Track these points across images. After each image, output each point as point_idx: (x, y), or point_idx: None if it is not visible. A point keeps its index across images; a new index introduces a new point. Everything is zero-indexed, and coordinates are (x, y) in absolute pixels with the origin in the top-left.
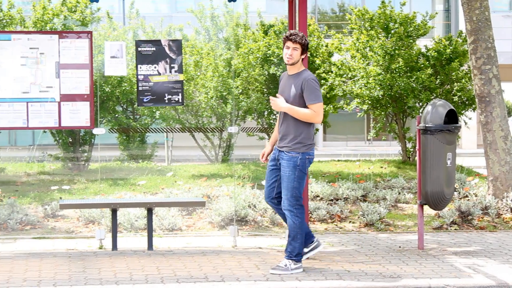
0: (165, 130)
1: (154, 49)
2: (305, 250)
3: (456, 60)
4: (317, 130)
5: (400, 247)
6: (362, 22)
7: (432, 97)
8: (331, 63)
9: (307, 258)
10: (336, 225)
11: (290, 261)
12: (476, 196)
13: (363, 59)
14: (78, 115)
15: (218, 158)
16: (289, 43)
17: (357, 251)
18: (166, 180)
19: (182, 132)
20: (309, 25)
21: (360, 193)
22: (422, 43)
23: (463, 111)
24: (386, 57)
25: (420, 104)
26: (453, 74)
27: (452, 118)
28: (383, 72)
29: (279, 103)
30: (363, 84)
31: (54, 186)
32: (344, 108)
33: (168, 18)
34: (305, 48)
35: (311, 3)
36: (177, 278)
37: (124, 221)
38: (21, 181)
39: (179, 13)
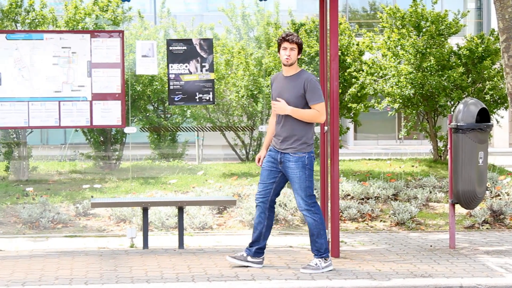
0: (196, 129)
1: (185, 48)
2: (249, 258)
3: (488, 59)
4: (347, 129)
5: (431, 246)
6: (394, 21)
7: (464, 95)
8: (362, 62)
9: (244, 267)
10: (367, 224)
11: (320, 259)
12: (508, 195)
13: (394, 57)
14: (110, 114)
15: (248, 157)
16: (286, 44)
17: (388, 250)
18: (197, 178)
19: (213, 131)
20: (340, 23)
21: (391, 192)
22: (454, 42)
23: (495, 109)
24: (418, 56)
25: (452, 102)
26: (485, 72)
27: (484, 116)
28: (414, 71)
29: (283, 106)
30: (394, 83)
31: (86, 185)
32: (375, 107)
33: (199, 17)
34: (300, 48)
35: (342, 1)
36: (208, 276)
37: (155, 219)
38: (53, 179)
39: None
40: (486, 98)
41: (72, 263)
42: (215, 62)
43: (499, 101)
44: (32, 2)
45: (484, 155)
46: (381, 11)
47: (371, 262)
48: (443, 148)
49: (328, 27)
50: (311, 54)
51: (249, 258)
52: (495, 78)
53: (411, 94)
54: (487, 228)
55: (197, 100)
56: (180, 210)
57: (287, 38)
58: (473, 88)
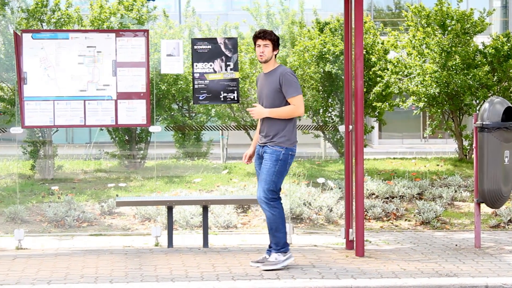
0: (220, 128)
1: (210, 47)
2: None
3: None
4: (372, 128)
5: (456, 245)
6: (419, 19)
7: (489, 94)
8: (387, 61)
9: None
10: (392, 223)
11: (279, 253)
12: None
13: (419, 56)
14: (135, 113)
15: None
16: (259, 41)
17: (413, 249)
18: (222, 177)
19: (237, 129)
20: (365, 22)
21: (416, 191)
22: (479, 40)
23: None
24: (443, 54)
25: (477, 101)
26: (510, 71)
27: (509, 115)
28: (439, 70)
29: (259, 110)
30: (419, 82)
31: (111, 184)
32: (400, 105)
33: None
34: (275, 44)
35: (367, 0)
36: (232, 275)
37: (180, 218)
38: (78, 178)
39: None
40: None
41: (97, 262)
42: (239, 61)
43: None
44: (58, 1)
45: (510, 154)
46: (406, 9)
47: (396, 261)
48: (468, 147)
49: (353, 26)
50: (336, 53)
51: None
52: None
53: (436, 93)
54: None
55: (222, 99)
56: (205, 209)
57: (259, 35)
58: (498, 87)
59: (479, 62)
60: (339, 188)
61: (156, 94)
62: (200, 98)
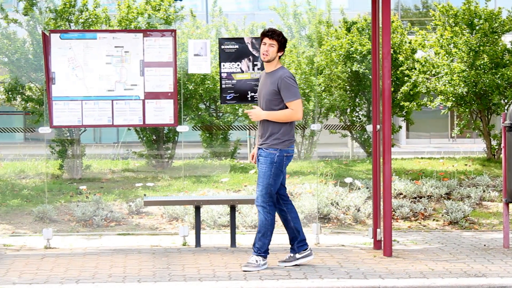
0: (247, 127)
1: (237, 47)
2: (297, 256)
3: None
4: (400, 127)
5: (485, 245)
6: (446, 18)
7: None
8: (415, 60)
9: (296, 265)
10: (420, 223)
11: (259, 257)
12: None
13: (447, 55)
14: (162, 113)
15: (300, 156)
16: (265, 39)
17: (441, 249)
18: (249, 177)
19: None
20: (392, 21)
21: (444, 191)
22: (508, 39)
23: None
24: (471, 54)
25: (505, 101)
26: None
27: None
28: (467, 69)
29: (257, 113)
30: (447, 81)
31: (138, 183)
32: (427, 105)
33: (250, 15)
34: (281, 45)
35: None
36: (260, 275)
37: (207, 218)
38: (106, 178)
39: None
40: None
41: (125, 261)
42: None
43: None
44: (86, 1)
45: None
46: (433, 9)
47: (424, 261)
48: (496, 147)
49: (381, 25)
50: (363, 53)
51: (297, 256)
52: None
53: (464, 93)
54: None
55: (249, 99)
56: (232, 208)
57: (267, 33)
58: None
59: (508, 61)
60: (367, 187)
61: (184, 93)
62: (228, 98)
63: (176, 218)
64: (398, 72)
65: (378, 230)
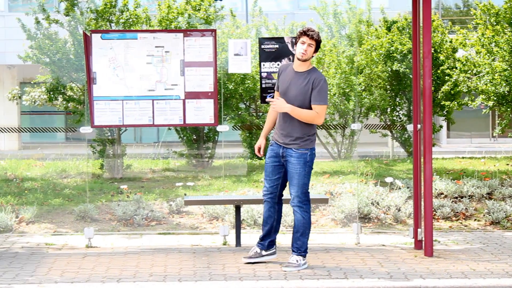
0: None
1: (277, 46)
2: (264, 252)
3: None
4: (441, 127)
5: None
6: (488, 17)
7: None
8: (456, 59)
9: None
10: (461, 223)
11: (299, 256)
12: None
13: (488, 54)
14: (202, 112)
15: (340, 155)
16: (305, 38)
17: (482, 250)
18: None
19: None
20: (433, 20)
21: (486, 190)
22: None
23: None
24: None
25: None
26: None
27: None
28: (509, 68)
29: (281, 104)
30: (488, 80)
31: (179, 183)
32: (468, 104)
33: (290, 15)
34: (318, 46)
35: None
36: (300, 275)
37: (248, 217)
38: (146, 177)
39: (302, 10)
40: None
41: (166, 260)
42: None
43: None
44: (126, 2)
45: None
46: (474, 7)
47: (465, 261)
48: None
49: (421, 24)
50: (404, 52)
51: (263, 253)
52: None
53: (506, 92)
54: None
55: None
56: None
57: (308, 32)
58: None
59: None
60: (407, 187)
61: (224, 93)
62: (268, 97)
63: (216, 217)
64: (439, 72)
65: (419, 230)
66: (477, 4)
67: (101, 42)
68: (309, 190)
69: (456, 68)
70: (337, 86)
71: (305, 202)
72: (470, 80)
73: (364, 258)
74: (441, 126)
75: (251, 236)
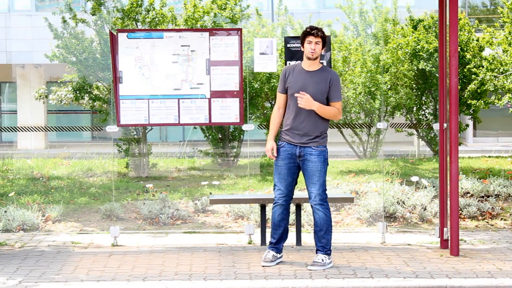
0: None
1: None
2: (278, 255)
3: None
4: (467, 125)
5: None
6: None
7: None
8: (482, 58)
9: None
10: (487, 222)
11: (325, 255)
12: None
13: None
14: (228, 111)
15: (366, 154)
16: (311, 38)
17: (509, 249)
18: None
19: (330, 128)
20: (460, 19)
21: None
22: None
23: None
24: None
25: None
26: None
27: None
28: None
29: (310, 100)
30: None
31: (204, 182)
32: (495, 103)
33: (316, 14)
34: (324, 42)
35: None
36: (325, 274)
37: None
38: (172, 176)
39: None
40: None
41: (191, 259)
42: (332, 59)
43: None
44: (152, 1)
45: None
46: (501, 6)
47: (492, 261)
48: None
49: (448, 23)
50: (430, 51)
51: (278, 255)
52: None
53: None
54: None
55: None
56: (298, 207)
57: (312, 32)
58: None
59: None
60: (433, 186)
61: (249, 92)
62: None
63: (241, 216)
64: (465, 70)
65: (445, 229)
66: (504, 2)
67: (127, 41)
68: (334, 189)
69: (482, 66)
70: (362, 85)
71: (325, 200)
72: (496, 79)
73: (390, 257)
74: (467, 125)
75: None
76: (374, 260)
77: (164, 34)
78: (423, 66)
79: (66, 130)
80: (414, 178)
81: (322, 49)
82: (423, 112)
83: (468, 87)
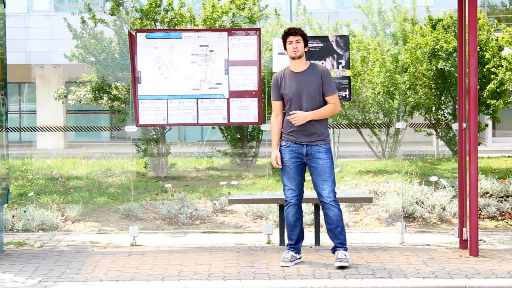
0: (331, 126)
1: (321, 45)
2: (297, 256)
3: None
4: (486, 125)
5: None
6: None
7: None
8: (502, 57)
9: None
10: (507, 222)
11: (346, 251)
12: None
13: None
14: (247, 111)
15: (385, 154)
16: (291, 38)
17: None
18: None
19: (349, 128)
20: (479, 18)
21: None
22: None
23: None
24: None
25: None
26: None
27: None
28: None
29: (303, 115)
30: None
31: (223, 182)
32: None
33: (334, 14)
34: (305, 40)
35: None
36: (344, 274)
37: None
38: (190, 176)
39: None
40: None
41: (210, 259)
42: (351, 59)
43: None
44: (171, 1)
45: None
46: None
47: (511, 261)
48: None
49: (467, 22)
50: (449, 50)
51: (297, 256)
52: None
53: None
54: None
55: None
56: (316, 207)
57: (290, 32)
58: None
59: None
60: (452, 186)
61: (268, 92)
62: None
63: (260, 216)
64: (484, 70)
65: (464, 229)
66: None
67: (146, 41)
68: (353, 189)
69: (502, 66)
70: (381, 84)
71: (336, 196)
72: None
73: (409, 257)
74: (486, 125)
75: None
76: (393, 260)
77: (183, 34)
78: (442, 66)
79: (85, 130)
80: (433, 178)
81: (305, 47)
82: (442, 112)
83: (487, 87)
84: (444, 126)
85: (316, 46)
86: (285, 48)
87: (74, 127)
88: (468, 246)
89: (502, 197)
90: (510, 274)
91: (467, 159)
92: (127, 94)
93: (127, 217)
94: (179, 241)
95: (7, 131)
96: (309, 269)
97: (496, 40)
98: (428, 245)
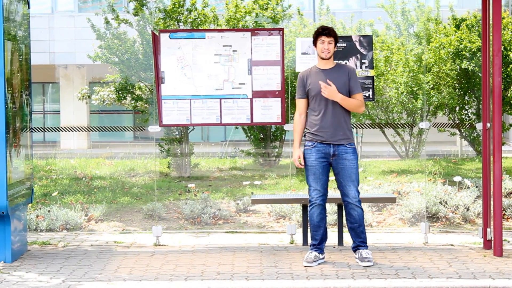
0: (355, 126)
1: (345, 45)
2: (321, 256)
3: None
4: (510, 125)
5: None
6: None
7: None
8: None
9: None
10: None
11: (368, 250)
12: None
13: None
14: (270, 111)
15: (408, 154)
16: (323, 38)
17: None
18: None
19: (372, 128)
20: (503, 18)
21: None
22: None
23: None
24: None
25: None
26: None
27: None
28: None
29: (334, 91)
30: None
31: (246, 182)
32: None
33: (358, 13)
34: (336, 41)
35: None
36: (367, 274)
37: None
38: (214, 176)
39: (369, 8)
40: None
41: (233, 259)
42: (374, 59)
43: None
44: (194, 1)
45: None
46: None
47: None
48: None
49: (491, 22)
50: (473, 50)
51: (321, 256)
52: None
53: None
54: None
55: None
56: (339, 207)
57: (324, 32)
58: None
59: None
60: (476, 186)
61: (291, 92)
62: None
63: (283, 216)
64: (508, 69)
65: (488, 229)
66: None
67: (169, 41)
68: (376, 189)
69: None
70: (405, 84)
71: (360, 196)
72: None
73: (432, 257)
74: (510, 125)
75: None
76: (416, 260)
77: (206, 34)
78: (466, 66)
79: (108, 130)
80: (457, 178)
81: (334, 48)
82: (465, 112)
83: (511, 87)
84: (468, 126)
85: (339, 46)
86: (314, 45)
87: (98, 127)
88: (492, 247)
89: None
90: None
91: (491, 159)
92: (151, 94)
93: (150, 217)
94: (202, 241)
95: (31, 131)
96: (332, 269)
97: None
98: (451, 245)
